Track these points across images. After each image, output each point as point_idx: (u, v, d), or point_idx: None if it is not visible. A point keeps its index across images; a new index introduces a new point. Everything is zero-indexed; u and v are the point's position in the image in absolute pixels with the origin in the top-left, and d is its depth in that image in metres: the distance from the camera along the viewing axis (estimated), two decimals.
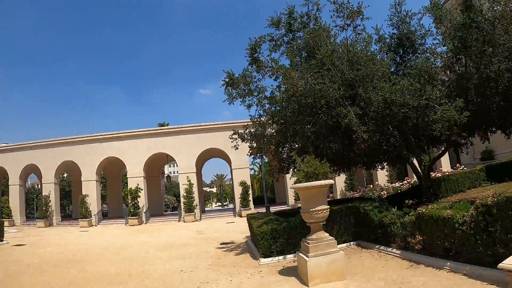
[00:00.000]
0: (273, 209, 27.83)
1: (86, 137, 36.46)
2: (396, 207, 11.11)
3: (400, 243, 9.65)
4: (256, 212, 23.78)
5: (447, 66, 12.33)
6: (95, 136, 36.26)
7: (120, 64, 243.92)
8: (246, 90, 13.28)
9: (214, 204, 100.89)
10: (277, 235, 10.83)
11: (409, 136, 12.50)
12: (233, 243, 16.13)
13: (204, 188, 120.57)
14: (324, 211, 8.04)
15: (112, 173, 42.86)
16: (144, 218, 33.43)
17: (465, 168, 23.79)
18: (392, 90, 10.53)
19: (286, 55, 12.85)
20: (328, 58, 11.17)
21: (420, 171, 13.90)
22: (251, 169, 64.71)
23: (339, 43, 12.41)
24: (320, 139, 11.60)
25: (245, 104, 13.47)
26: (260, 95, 13.47)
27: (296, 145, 13.05)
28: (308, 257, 7.83)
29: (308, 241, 8.16)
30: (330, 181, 8.21)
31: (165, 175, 47.88)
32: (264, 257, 10.81)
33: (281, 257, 10.79)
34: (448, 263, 7.59)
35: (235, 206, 35.35)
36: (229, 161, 34.97)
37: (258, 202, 38.61)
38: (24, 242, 21.99)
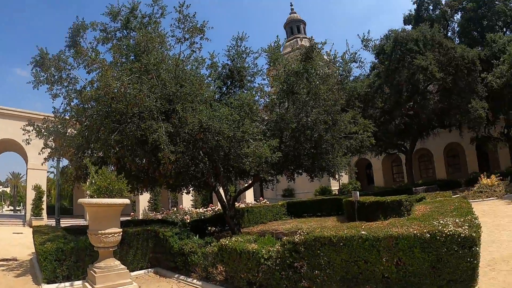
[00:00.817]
0: (67, 222, 25.07)
1: None
2: (198, 234, 10.70)
3: (201, 273, 9.16)
4: (45, 224, 20.79)
5: (271, 106, 12.84)
6: None
7: None
8: (57, 77, 11.40)
9: (5, 207, 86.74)
10: (63, 256, 9.14)
11: (218, 165, 12.47)
12: (16, 260, 13.49)
13: None
14: (116, 235, 7.04)
15: None
16: None
17: (268, 202, 25.73)
18: (210, 115, 10.28)
19: (112, 52, 11.44)
20: (154, 66, 10.41)
21: (225, 200, 14.02)
22: (51, 172, 58.09)
23: (171, 55, 11.72)
24: (125, 151, 10.51)
25: (51, 93, 11.54)
26: (70, 87, 11.69)
27: (99, 154, 11.68)
28: None
29: (95, 269, 6.98)
30: (126, 201, 7.28)
31: None
32: (47, 283, 8.98)
33: (67, 284, 9.10)
34: None
35: (25, 214, 30.74)
36: (26, 159, 29.81)
37: (54, 212, 34.00)
38: None
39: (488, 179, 20.98)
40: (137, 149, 10.46)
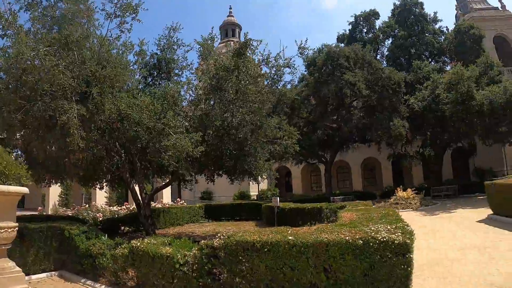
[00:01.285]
0: None
1: None
2: (109, 234, 9.79)
3: (111, 278, 8.30)
4: None
5: (196, 101, 12.29)
6: None
7: None
8: None
9: None
10: None
11: (135, 159, 11.69)
12: None
13: None
14: (9, 231, 5.97)
15: None
16: None
17: (185, 203, 25.01)
18: (130, 103, 9.55)
19: (32, 20, 9.99)
20: (76, 41, 9.35)
21: (140, 198, 13.20)
22: None
23: (98, 34, 10.62)
24: (31, 134, 9.42)
25: None
26: None
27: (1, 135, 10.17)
28: None
29: None
30: (23, 189, 6.29)
31: None
32: None
33: None
34: None
35: None
36: None
37: None
38: None
39: (404, 192, 21.96)
40: (46, 133, 9.34)
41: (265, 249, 5.83)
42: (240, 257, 6.01)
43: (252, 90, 11.43)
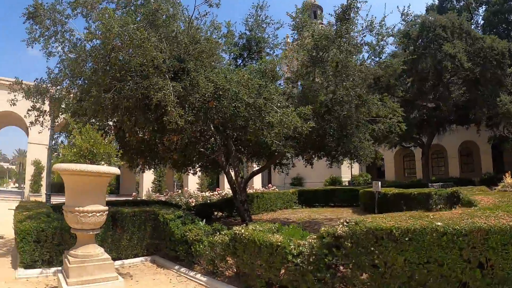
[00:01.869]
0: (63, 199, 23.80)
1: None
2: (204, 220, 9.11)
3: (207, 266, 7.67)
4: (34, 200, 19.36)
5: (294, 78, 11.30)
6: None
7: None
8: (52, 31, 9.59)
9: (11, 185, 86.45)
10: (44, 237, 7.75)
11: (230, 142, 11.03)
12: (3, 238, 12.16)
13: (3, 164, 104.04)
14: (98, 215, 5.43)
15: None
16: None
17: (277, 189, 24.23)
18: (228, 78, 8.78)
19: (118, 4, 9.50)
20: (165, 19, 8.74)
21: (236, 183, 12.57)
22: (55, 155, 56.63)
23: (186, 15, 9.85)
24: (122, 116, 8.91)
25: (45, 52, 9.77)
26: (66, 43, 9.82)
27: (92, 117, 9.42)
28: (67, 285, 5.10)
29: (70, 257, 5.40)
30: (113, 170, 5.65)
31: None
32: (25, 267, 7.62)
33: (48, 270, 7.71)
34: None
35: (24, 190, 29.54)
36: (27, 133, 28.52)
37: (58, 190, 31.81)
38: None
39: None
40: (138, 114, 8.84)
41: (406, 238, 4.69)
42: (372, 248, 4.86)
43: (354, 62, 10.23)
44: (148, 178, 29.73)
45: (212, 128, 10.13)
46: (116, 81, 8.41)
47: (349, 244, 5.05)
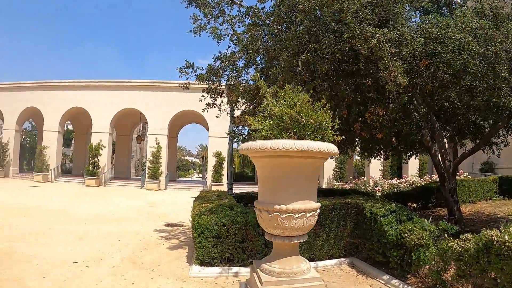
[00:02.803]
0: (243, 188, 23.74)
1: (53, 83, 31.65)
2: (431, 218, 6.88)
3: (431, 282, 5.48)
4: (216, 190, 19.18)
5: None
6: (61, 82, 31.47)
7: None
8: (218, 10, 8.36)
9: (195, 175, 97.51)
10: (226, 232, 6.55)
11: (433, 117, 8.49)
12: (182, 226, 12.00)
13: (188, 158, 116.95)
14: (309, 215, 3.47)
15: (81, 127, 38.30)
16: (104, 180, 29.11)
17: (469, 176, 19.85)
18: (446, 23, 6.36)
19: None
20: None
21: (444, 167, 9.84)
22: (234, 142, 59.55)
23: None
24: (315, 79, 6.79)
25: (215, 36, 8.51)
26: (235, 20, 8.44)
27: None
28: None
29: (262, 272, 3.60)
30: (333, 148, 3.45)
31: (137, 135, 42.43)
32: (200, 264, 6.61)
33: (228, 270, 6.55)
34: None
35: (206, 180, 31.05)
36: (207, 128, 30.07)
37: (237, 179, 33.37)
38: None
39: None
40: (337, 80, 6.89)
41: None
42: None
43: None
44: (329, 165, 27.90)
45: (416, 100, 7.72)
46: (306, 41, 6.59)
47: None
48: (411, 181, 20.17)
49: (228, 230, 6.54)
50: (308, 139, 3.43)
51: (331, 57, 6.22)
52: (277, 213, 3.38)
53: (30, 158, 42.82)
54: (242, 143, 10.32)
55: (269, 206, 3.43)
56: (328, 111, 3.57)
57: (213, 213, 6.82)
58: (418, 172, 26.88)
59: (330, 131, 3.54)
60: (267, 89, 3.84)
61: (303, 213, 3.43)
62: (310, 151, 3.22)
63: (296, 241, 3.60)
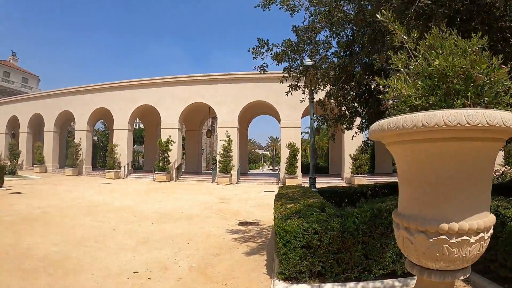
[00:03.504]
0: (322, 181, 22.14)
1: (120, 83, 32.80)
2: None
3: None
4: (298, 184, 17.78)
5: None
6: (129, 82, 32.37)
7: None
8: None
9: (266, 168, 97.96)
10: (318, 241, 5.12)
11: None
12: (258, 225, 10.73)
13: (258, 151, 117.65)
14: (486, 237, 2.06)
15: (150, 124, 39.40)
16: (174, 175, 29.09)
17: None
18: None
19: None
20: None
21: None
22: (306, 132, 57.96)
23: None
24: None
25: (287, 7, 7.17)
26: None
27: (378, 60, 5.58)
28: None
29: None
30: None
31: (206, 130, 42.14)
32: (284, 279, 5.19)
33: (317, 286, 5.11)
34: None
35: (279, 172, 29.79)
36: (279, 119, 28.89)
37: (308, 170, 31.47)
38: (26, 190, 18.77)
39: None
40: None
41: None
42: None
43: None
44: None
45: None
46: None
47: None
48: None
49: (321, 239, 5.13)
50: (484, 108, 1.93)
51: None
52: (444, 236, 1.88)
53: (104, 157, 44.60)
54: (330, 127, 8.79)
55: (428, 225, 1.94)
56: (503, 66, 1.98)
57: (302, 216, 5.47)
58: None
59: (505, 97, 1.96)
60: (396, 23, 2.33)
61: (481, 235, 1.92)
62: (503, 128, 1.85)
63: (461, 277, 2.21)
